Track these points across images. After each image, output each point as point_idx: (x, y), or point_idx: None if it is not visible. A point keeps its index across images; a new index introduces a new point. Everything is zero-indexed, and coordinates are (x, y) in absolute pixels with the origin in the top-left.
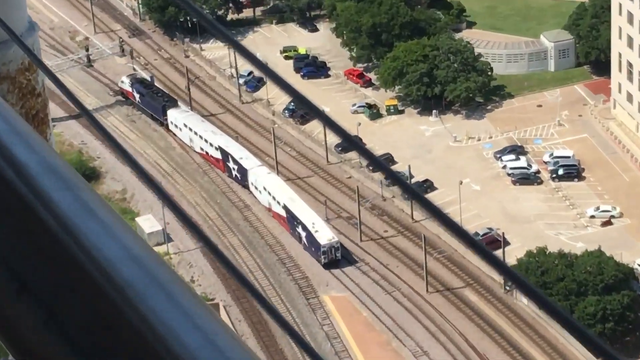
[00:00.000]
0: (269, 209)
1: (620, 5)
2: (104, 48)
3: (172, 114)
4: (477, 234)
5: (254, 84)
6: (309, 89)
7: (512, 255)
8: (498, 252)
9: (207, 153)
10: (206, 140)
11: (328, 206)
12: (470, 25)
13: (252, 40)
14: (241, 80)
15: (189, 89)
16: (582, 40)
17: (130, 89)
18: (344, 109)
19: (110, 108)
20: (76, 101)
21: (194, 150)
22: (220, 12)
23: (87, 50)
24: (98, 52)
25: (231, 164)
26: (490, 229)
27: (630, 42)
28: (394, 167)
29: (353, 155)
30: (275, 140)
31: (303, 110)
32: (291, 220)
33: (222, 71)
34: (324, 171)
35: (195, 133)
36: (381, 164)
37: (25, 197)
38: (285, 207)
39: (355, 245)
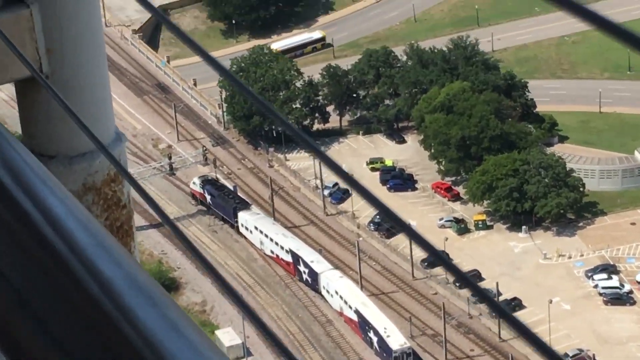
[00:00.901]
0: (340, 314)
1: None
2: (187, 156)
3: (243, 217)
4: (566, 355)
5: (339, 196)
6: (395, 201)
7: None
8: None
9: (277, 256)
10: (277, 243)
11: (413, 323)
12: (563, 139)
13: (337, 151)
14: (326, 192)
15: (272, 200)
16: None
17: (201, 190)
18: (431, 223)
19: (192, 217)
20: (162, 213)
21: (264, 254)
22: (305, 122)
23: (169, 158)
24: (181, 161)
25: (302, 268)
26: (580, 350)
27: None
28: (482, 284)
29: (439, 270)
30: (359, 253)
31: (389, 223)
32: (363, 325)
33: (307, 182)
34: (409, 286)
35: (266, 235)
36: (468, 280)
37: (110, 314)
38: (357, 312)
39: None
